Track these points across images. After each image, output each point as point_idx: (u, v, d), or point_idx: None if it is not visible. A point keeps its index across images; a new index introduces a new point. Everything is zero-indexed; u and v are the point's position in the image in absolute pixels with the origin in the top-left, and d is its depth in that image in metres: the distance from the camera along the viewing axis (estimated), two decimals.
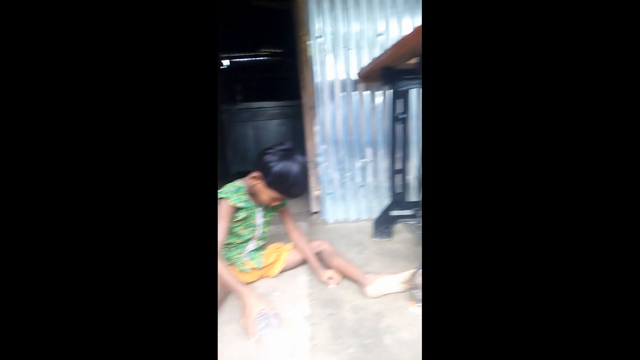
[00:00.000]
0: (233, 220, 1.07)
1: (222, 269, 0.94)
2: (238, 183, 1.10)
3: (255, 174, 1.03)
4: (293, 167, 0.99)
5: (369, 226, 1.57)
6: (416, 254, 1.30)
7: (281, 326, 0.88)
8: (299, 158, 1.02)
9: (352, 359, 0.78)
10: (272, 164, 0.99)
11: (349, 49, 1.63)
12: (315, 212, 1.92)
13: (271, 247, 1.25)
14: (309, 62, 1.67)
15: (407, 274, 1.01)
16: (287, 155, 1.01)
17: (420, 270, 0.94)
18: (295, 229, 1.23)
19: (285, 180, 0.99)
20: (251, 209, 1.10)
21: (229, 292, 1.05)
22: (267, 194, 1.04)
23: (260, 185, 1.04)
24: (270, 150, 1.02)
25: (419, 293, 0.95)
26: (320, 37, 1.62)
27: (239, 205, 1.04)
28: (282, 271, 1.22)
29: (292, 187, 1.01)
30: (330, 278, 1.13)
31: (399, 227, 1.52)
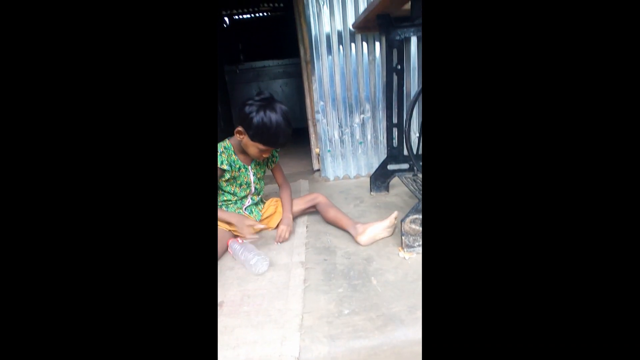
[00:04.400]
0: (222, 180, 1.12)
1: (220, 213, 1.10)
2: (226, 143, 1.11)
3: (238, 128, 1.03)
4: (272, 116, 0.98)
5: (367, 182, 1.61)
6: (410, 205, 1.34)
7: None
8: (278, 106, 1.00)
9: (341, 297, 0.85)
10: (251, 115, 0.98)
11: None
12: (317, 170, 1.96)
13: (269, 202, 1.30)
14: (304, 14, 1.61)
15: (390, 218, 1.07)
16: (265, 104, 0.99)
17: (409, 216, 0.98)
18: (285, 183, 1.27)
19: (266, 130, 0.98)
20: (238, 169, 1.13)
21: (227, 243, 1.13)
22: (253, 147, 1.04)
23: (245, 139, 1.04)
24: (249, 102, 1.00)
25: (407, 238, 1.00)
26: None
27: (224, 167, 1.07)
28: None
29: (274, 137, 1.00)
30: (279, 234, 1.14)
31: (395, 180, 1.55)
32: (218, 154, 1.07)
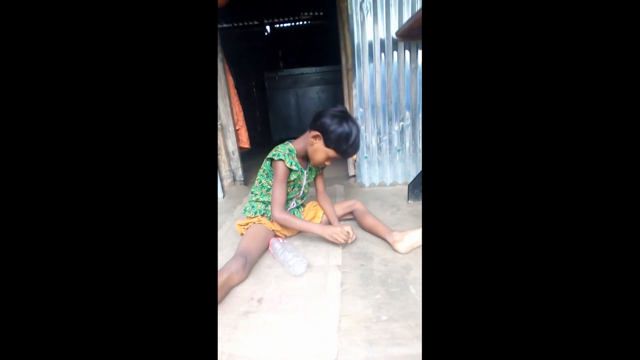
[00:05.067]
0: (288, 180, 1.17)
1: (294, 219, 1.13)
2: (289, 146, 1.18)
3: (314, 133, 1.11)
4: (353, 128, 1.08)
5: (404, 190, 1.59)
6: None
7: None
8: (355, 120, 1.11)
9: (378, 303, 0.85)
10: (334, 126, 1.07)
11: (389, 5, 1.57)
12: (353, 176, 1.97)
13: (310, 205, 1.33)
14: (347, 22, 1.64)
15: None
16: (345, 117, 1.09)
17: None
18: (325, 192, 1.31)
19: (346, 140, 1.08)
20: (299, 171, 1.18)
21: (266, 244, 1.16)
22: (323, 153, 1.12)
23: (318, 145, 1.11)
24: (330, 112, 1.10)
25: None
26: None
27: (292, 167, 1.13)
28: None
29: (351, 147, 1.10)
30: (347, 232, 1.13)
31: None
32: (285, 154, 1.13)
